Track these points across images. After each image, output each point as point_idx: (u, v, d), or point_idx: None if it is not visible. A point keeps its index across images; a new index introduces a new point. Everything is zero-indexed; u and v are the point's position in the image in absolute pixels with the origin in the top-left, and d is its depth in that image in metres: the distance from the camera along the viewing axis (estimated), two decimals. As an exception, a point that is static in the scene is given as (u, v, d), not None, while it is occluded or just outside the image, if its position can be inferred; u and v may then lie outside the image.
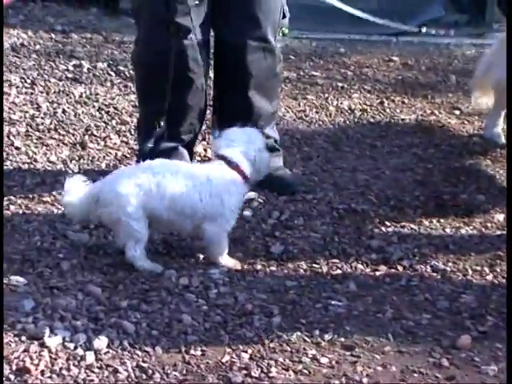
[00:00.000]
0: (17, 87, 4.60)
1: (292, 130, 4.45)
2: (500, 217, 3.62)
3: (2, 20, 4.98)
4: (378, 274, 3.15)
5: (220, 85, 3.77)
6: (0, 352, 2.52)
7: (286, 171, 3.88)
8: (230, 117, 3.56)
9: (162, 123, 3.64)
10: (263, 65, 3.70)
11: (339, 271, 3.16)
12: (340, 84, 5.14)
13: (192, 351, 2.64)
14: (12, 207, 3.44)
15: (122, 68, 5.02)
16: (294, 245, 3.32)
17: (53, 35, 5.32)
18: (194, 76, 3.61)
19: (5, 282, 2.90)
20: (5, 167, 3.77)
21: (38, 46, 5.17)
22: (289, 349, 2.67)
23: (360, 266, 3.20)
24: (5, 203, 3.45)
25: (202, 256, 3.20)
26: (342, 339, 2.72)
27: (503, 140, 4.35)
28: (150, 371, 2.54)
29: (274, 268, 3.17)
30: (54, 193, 3.58)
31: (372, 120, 4.68)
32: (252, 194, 3.70)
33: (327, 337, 2.73)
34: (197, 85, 3.63)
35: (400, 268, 3.20)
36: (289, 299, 2.95)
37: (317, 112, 4.72)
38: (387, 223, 3.53)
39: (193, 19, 3.54)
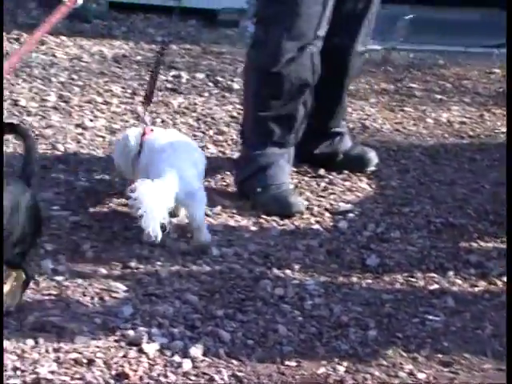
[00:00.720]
0: (118, 97, 4.69)
1: (389, 142, 4.42)
2: None
3: (1, 21, 5.09)
4: (476, 289, 3.10)
5: (320, 85, 3.77)
6: (0, 351, 2.57)
7: (363, 148, 4.08)
8: (327, 115, 3.95)
9: (276, 128, 3.68)
10: (359, 68, 4.06)
11: (437, 286, 3.12)
12: (438, 96, 5.08)
13: (287, 362, 2.64)
14: (111, 216, 3.50)
15: (219, 79, 5.08)
16: (390, 258, 3.30)
17: (153, 46, 5.42)
18: (312, 83, 3.68)
19: (105, 287, 2.97)
20: (106, 176, 3.84)
21: (138, 57, 5.26)
22: (385, 363, 2.65)
23: (458, 281, 3.15)
24: (105, 211, 3.52)
25: (297, 266, 3.21)
26: (440, 355, 2.69)
27: None
28: (246, 381, 2.55)
29: (369, 280, 3.15)
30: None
31: (471, 133, 4.60)
32: (348, 206, 3.70)
33: (424, 352, 2.70)
34: (312, 91, 3.70)
35: (500, 284, 3.14)
36: (385, 312, 2.93)
37: (414, 124, 4.67)
38: (486, 238, 3.47)
39: (325, 29, 3.65)
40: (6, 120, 4.01)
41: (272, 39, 3.62)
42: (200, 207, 3.30)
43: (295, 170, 3.94)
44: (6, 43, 5.19)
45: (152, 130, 3.49)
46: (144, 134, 3.45)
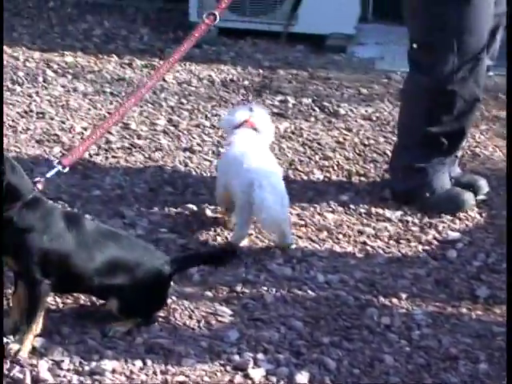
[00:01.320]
0: (225, 121, 4.73)
1: (500, 170, 4.31)
2: None
3: (1, 23, 5.14)
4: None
5: None
6: (0, 352, 2.58)
7: (473, 175, 4.08)
8: None
9: (446, 142, 3.85)
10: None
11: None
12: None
13: (395, 393, 2.60)
14: (218, 237, 3.52)
15: (326, 104, 5.07)
16: (501, 289, 3.21)
17: (261, 71, 5.46)
18: (481, 98, 3.90)
19: (211, 311, 2.98)
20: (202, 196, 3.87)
21: (246, 82, 5.31)
22: (496, 398, 2.58)
23: None
24: (210, 234, 3.54)
25: (404, 295, 3.16)
26: (554, 392, 2.59)
27: None
28: (353, 411, 2.52)
29: (479, 312, 3.08)
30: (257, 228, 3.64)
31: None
32: (457, 235, 3.63)
33: (537, 388, 2.61)
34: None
35: None
36: (496, 346, 2.85)
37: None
38: None
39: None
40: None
41: (441, 62, 3.76)
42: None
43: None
44: (118, 67, 5.32)
45: None
46: None
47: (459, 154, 4.09)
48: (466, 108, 3.83)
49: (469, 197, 3.88)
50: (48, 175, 2.90)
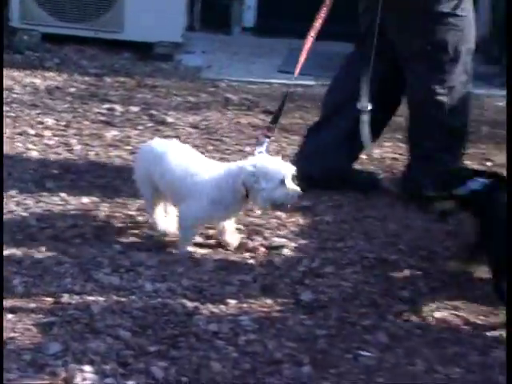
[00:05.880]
0: (51, 129, 4.64)
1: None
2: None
3: (2, 26, 5.07)
4: (408, 325, 3.13)
5: None
6: (0, 350, 2.52)
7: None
8: None
9: None
10: None
11: (369, 321, 3.13)
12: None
13: (221, 399, 2.62)
14: (43, 248, 3.45)
15: (154, 112, 5.07)
16: (323, 293, 3.30)
17: (87, 78, 5.39)
18: None
19: (34, 323, 2.91)
20: (37, 209, 3.80)
21: (72, 89, 5.23)
22: (318, 399, 2.65)
23: (390, 317, 3.17)
24: (36, 245, 3.47)
25: (231, 302, 3.19)
26: (373, 391, 2.70)
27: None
28: (177, 418, 2.52)
29: (303, 316, 3.15)
30: (86, 235, 3.59)
31: (402, 169, 4.65)
32: (282, 241, 3.71)
33: (357, 388, 2.70)
34: None
35: (431, 320, 3.17)
36: (318, 348, 2.93)
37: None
38: (418, 274, 3.51)
39: None
40: None
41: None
42: None
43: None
44: None
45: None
46: None
47: None
48: None
49: None
50: None
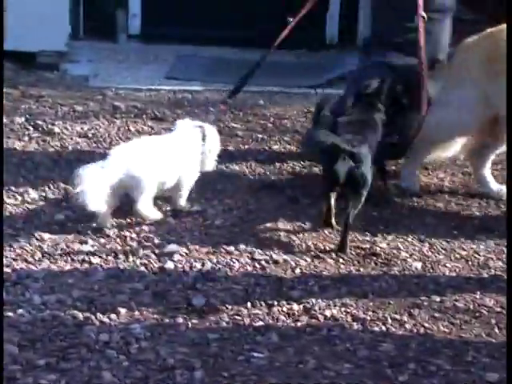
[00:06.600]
0: None
1: (212, 183, 4.45)
2: (418, 265, 3.68)
3: (2, 27, 4.92)
4: (299, 324, 3.17)
5: None
6: (0, 353, 2.49)
7: None
8: None
9: None
10: None
11: (261, 323, 3.16)
12: (260, 135, 5.18)
13: (112, 409, 2.60)
14: None
15: (40, 122, 4.98)
16: (215, 297, 3.32)
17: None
18: None
19: None
20: None
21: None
22: (211, 403, 2.65)
23: (282, 317, 3.20)
24: None
25: (122, 310, 3.17)
26: (264, 391, 2.72)
27: (418, 189, 4.45)
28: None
29: (195, 321, 3.16)
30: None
31: (291, 170, 4.71)
32: (174, 247, 3.70)
33: (249, 389, 2.72)
34: None
35: (321, 318, 3.21)
36: (211, 352, 2.93)
37: (237, 164, 4.73)
38: (308, 273, 3.55)
39: None
40: None
41: None
42: None
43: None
44: None
45: None
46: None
47: None
48: None
49: None
50: None
